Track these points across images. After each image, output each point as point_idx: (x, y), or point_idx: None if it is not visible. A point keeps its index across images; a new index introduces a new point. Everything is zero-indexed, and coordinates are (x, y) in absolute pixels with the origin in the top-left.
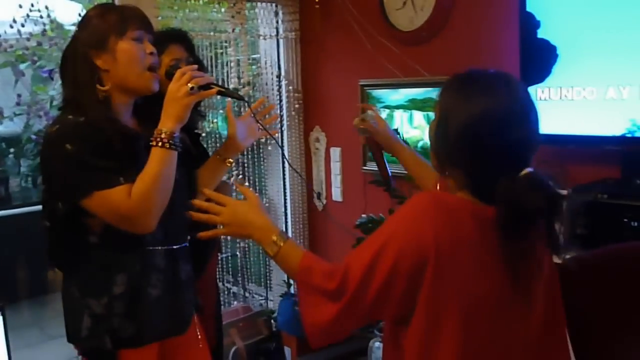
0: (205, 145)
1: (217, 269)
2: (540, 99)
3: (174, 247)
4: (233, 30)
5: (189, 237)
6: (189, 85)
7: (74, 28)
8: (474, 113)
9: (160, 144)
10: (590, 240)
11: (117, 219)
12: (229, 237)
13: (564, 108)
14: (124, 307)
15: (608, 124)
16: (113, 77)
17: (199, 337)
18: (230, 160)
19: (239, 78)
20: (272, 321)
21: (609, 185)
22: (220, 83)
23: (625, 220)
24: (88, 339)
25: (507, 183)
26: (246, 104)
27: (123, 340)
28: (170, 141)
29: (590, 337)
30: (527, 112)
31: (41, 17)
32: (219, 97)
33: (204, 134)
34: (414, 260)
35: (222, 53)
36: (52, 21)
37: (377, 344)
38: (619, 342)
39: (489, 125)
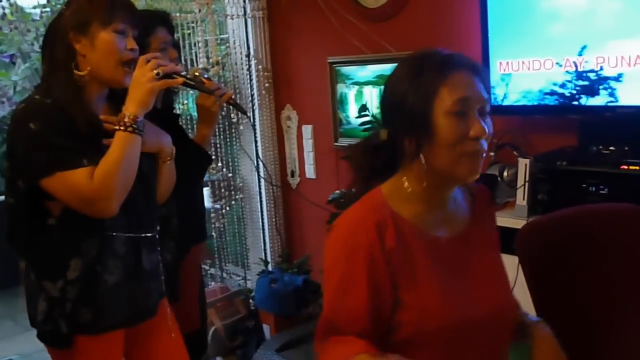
0: None
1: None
2: (501, 71)
3: (137, 235)
4: (200, 11)
5: (157, 228)
6: (154, 71)
7: (35, 11)
8: None
9: (123, 127)
10: (551, 205)
11: (77, 202)
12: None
13: (524, 79)
14: (76, 293)
15: (566, 93)
16: (88, 64)
17: (170, 326)
18: (166, 160)
19: (207, 58)
20: (250, 300)
21: (567, 153)
22: (189, 64)
23: (584, 185)
24: (43, 323)
25: None
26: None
27: (79, 325)
28: (134, 125)
29: (547, 291)
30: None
31: (0, 0)
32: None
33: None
34: None
35: (189, 34)
36: (11, 4)
37: None
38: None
39: None
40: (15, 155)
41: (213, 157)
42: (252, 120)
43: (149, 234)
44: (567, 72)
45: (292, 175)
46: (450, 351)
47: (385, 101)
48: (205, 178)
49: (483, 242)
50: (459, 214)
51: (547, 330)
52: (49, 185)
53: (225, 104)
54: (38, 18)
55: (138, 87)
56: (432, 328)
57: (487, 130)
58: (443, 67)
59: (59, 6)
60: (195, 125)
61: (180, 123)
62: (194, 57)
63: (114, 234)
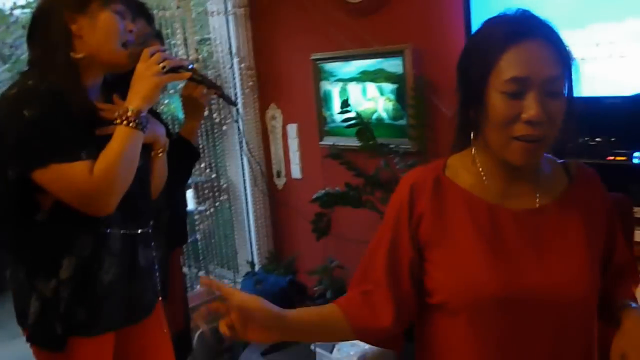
0: None
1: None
2: None
3: (133, 231)
4: (179, 7)
5: (151, 223)
6: (160, 65)
7: (16, 12)
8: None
9: (125, 122)
10: None
11: (74, 198)
12: (200, 226)
13: None
14: (70, 292)
15: None
16: (86, 46)
17: (163, 326)
18: (159, 151)
19: (188, 57)
20: None
21: (553, 145)
22: None
23: None
24: (36, 324)
25: None
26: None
27: (74, 326)
28: (137, 120)
29: None
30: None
31: None
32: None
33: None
34: None
35: (171, 32)
36: None
37: None
38: None
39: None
40: (5, 144)
41: None
42: (236, 115)
43: (144, 229)
44: None
45: (278, 176)
46: (494, 322)
47: (458, 62)
48: (189, 180)
49: (569, 223)
50: (543, 188)
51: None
52: (42, 178)
53: (213, 96)
54: (16, 20)
55: (143, 80)
56: (467, 294)
57: (543, 114)
58: (509, 35)
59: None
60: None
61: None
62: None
63: (109, 230)
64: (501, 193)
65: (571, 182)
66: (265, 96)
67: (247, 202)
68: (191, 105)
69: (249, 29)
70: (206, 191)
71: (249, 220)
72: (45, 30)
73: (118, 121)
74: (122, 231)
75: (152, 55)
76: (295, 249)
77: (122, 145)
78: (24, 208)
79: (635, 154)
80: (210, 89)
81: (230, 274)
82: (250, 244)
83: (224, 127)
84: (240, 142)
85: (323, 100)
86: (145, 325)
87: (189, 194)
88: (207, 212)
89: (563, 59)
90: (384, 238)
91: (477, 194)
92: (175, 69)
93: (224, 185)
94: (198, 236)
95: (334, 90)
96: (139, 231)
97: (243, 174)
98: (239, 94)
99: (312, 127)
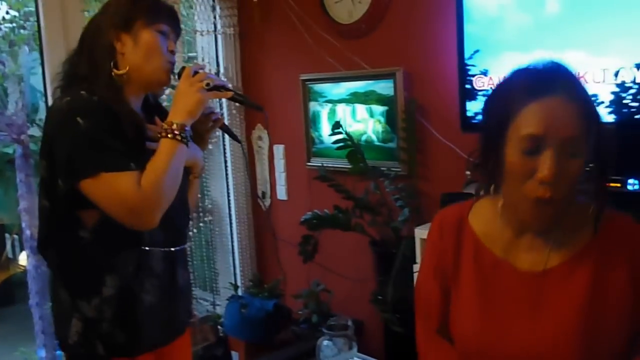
0: None
1: None
2: (477, 87)
3: (172, 249)
4: None
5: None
6: (204, 82)
7: (1, 27)
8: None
9: (170, 135)
10: None
11: (120, 209)
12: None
13: None
14: (112, 312)
15: None
16: (128, 63)
17: (189, 346)
18: (197, 175)
19: (173, 74)
20: (219, 326)
21: None
22: None
23: None
24: (78, 345)
25: None
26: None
27: (115, 347)
28: (182, 134)
29: None
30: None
31: None
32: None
33: None
34: None
35: None
36: None
37: (326, 342)
38: None
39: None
40: (57, 152)
41: None
42: (222, 141)
43: (182, 247)
44: None
45: (263, 197)
46: None
47: (483, 108)
48: None
49: (575, 287)
50: (559, 244)
51: None
52: (90, 188)
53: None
54: (3, 35)
55: (187, 96)
56: (463, 350)
57: (558, 175)
58: (530, 89)
59: (22, 22)
60: None
61: None
62: None
63: (152, 248)
64: (510, 245)
65: (596, 233)
66: (251, 117)
67: (231, 223)
68: (194, 139)
69: (237, 49)
70: None
71: (232, 242)
72: (92, 46)
73: (163, 134)
74: (163, 250)
75: (194, 73)
76: (280, 272)
77: (168, 157)
78: (67, 224)
79: (630, 181)
80: (216, 123)
81: (210, 296)
82: (233, 266)
83: (210, 147)
84: (226, 162)
85: (311, 121)
86: (175, 345)
87: None
88: (190, 233)
89: (586, 117)
90: (429, 275)
91: (487, 243)
92: (218, 88)
93: (209, 206)
94: None
95: (323, 111)
96: (179, 249)
97: (228, 194)
98: (225, 114)
99: (299, 148)
